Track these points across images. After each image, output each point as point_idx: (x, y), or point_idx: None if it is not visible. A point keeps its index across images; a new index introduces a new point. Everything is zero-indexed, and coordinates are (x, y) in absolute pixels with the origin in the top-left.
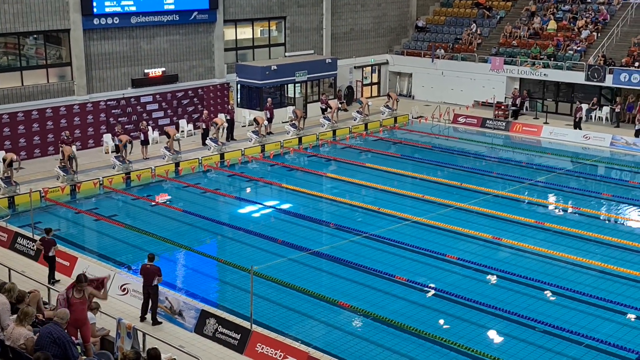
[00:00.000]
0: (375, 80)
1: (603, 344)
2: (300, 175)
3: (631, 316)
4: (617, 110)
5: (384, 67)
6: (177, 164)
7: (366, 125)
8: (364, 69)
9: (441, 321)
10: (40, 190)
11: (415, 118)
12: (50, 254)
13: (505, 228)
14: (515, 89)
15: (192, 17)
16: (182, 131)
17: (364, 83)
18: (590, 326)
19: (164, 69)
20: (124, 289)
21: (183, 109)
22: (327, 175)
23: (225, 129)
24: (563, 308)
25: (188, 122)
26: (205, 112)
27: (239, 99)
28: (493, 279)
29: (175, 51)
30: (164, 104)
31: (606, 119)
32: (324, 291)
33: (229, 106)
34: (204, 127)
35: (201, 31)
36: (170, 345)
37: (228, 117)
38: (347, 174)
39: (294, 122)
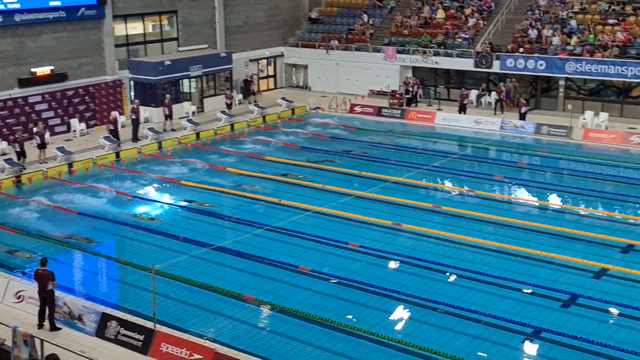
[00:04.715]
0: (271, 73)
1: (501, 321)
2: (200, 171)
3: (526, 292)
4: (498, 97)
5: (279, 59)
6: (70, 165)
7: (264, 117)
8: (260, 61)
9: (347, 309)
10: None
11: (312, 109)
12: None
13: (405, 214)
14: (408, 77)
15: (79, 13)
16: (75, 131)
17: (260, 76)
18: (488, 304)
19: (52, 67)
20: (19, 296)
21: (74, 108)
22: (226, 170)
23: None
24: (462, 288)
25: (80, 121)
26: (113, 113)
27: (132, 96)
28: (395, 264)
29: (64, 49)
30: (53, 103)
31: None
32: (229, 286)
33: (134, 105)
34: (112, 127)
35: (89, 27)
36: (70, 350)
37: (133, 117)
38: (246, 167)
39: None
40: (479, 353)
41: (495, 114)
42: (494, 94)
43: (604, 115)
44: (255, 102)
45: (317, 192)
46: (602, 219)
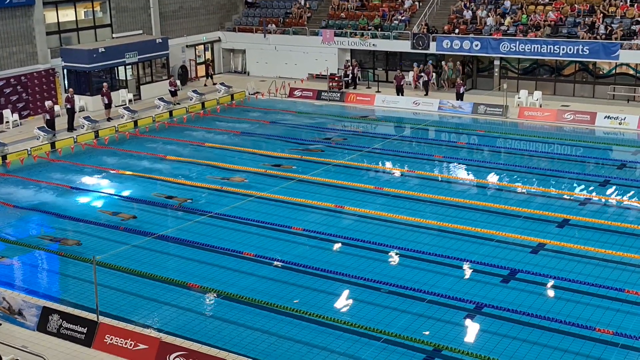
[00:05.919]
0: (209, 58)
1: (444, 298)
2: (139, 159)
3: (466, 269)
4: (426, 79)
5: (216, 44)
6: (4, 157)
7: (203, 104)
8: (197, 47)
9: (292, 292)
10: None
11: (251, 94)
12: None
13: (347, 196)
14: (347, 60)
15: (8, 0)
16: (7, 122)
17: (198, 62)
18: (431, 282)
19: None
20: None
21: (6, 99)
22: (166, 158)
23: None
24: (405, 267)
25: (13, 112)
26: (48, 102)
27: (66, 85)
28: (338, 246)
29: None
30: None
31: (432, 84)
32: (172, 274)
33: (69, 94)
34: (48, 117)
35: (19, 15)
36: (11, 346)
37: (68, 106)
38: (187, 155)
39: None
40: (424, 331)
41: (426, 94)
42: (425, 75)
43: (538, 94)
44: (213, 84)
45: (259, 177)
46: (538, 195)
